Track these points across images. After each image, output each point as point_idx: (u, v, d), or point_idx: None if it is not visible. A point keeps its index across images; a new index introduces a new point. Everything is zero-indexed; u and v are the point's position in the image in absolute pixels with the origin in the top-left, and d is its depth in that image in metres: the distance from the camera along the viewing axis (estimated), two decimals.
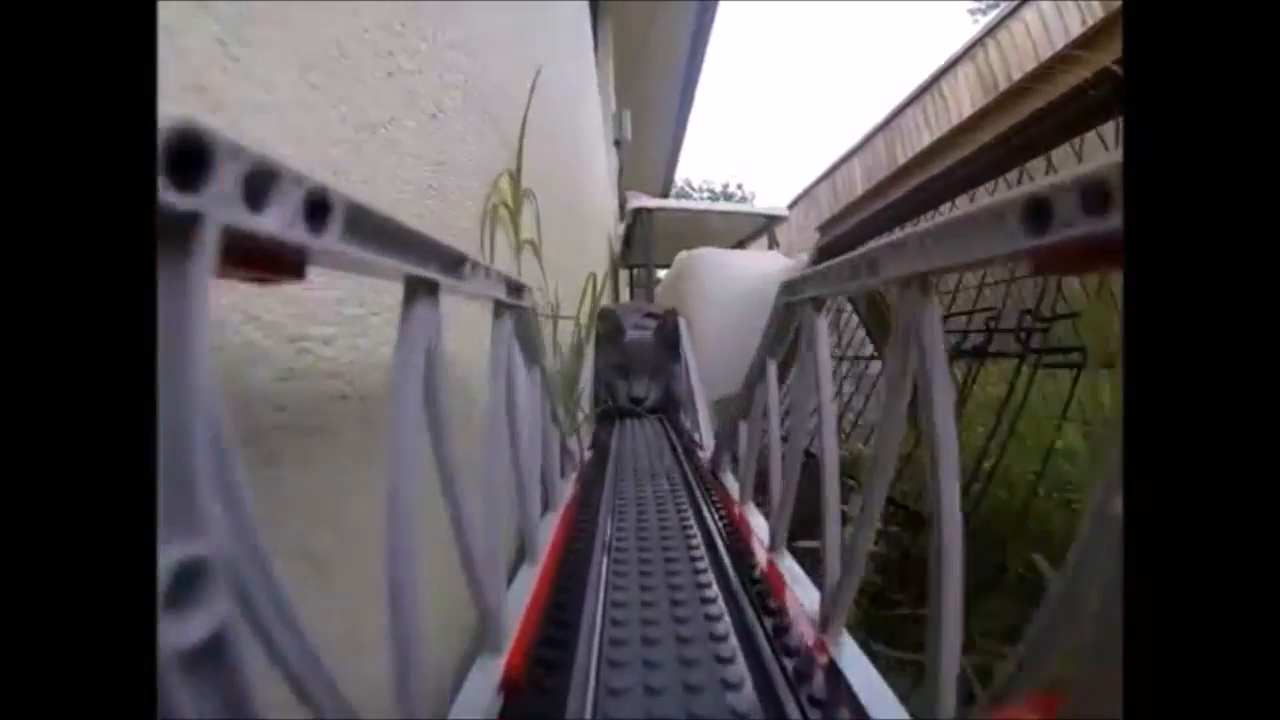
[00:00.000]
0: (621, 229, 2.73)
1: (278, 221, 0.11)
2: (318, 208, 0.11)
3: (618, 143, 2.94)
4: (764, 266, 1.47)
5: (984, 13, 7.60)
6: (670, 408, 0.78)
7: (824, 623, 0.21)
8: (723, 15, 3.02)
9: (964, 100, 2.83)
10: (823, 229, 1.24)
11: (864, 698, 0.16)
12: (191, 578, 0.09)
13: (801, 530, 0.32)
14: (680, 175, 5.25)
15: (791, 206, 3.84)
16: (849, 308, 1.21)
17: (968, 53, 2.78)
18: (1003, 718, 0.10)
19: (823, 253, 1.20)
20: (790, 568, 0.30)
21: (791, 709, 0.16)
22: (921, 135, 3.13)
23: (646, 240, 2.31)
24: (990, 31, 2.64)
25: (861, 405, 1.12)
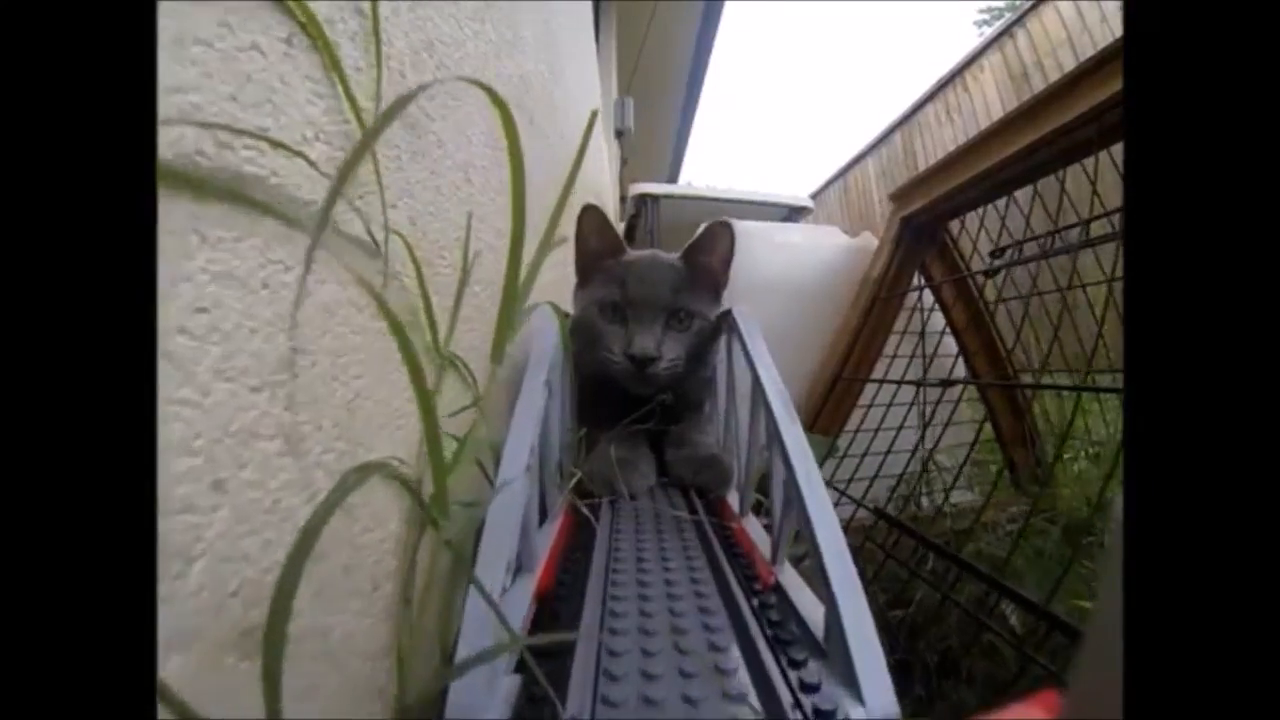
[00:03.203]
0: (622, 228, 2.68)
1: None
2: None
3: (619, 133, 2.72)
4: (821, 244, 1.20)
5: (989, 23, 7.59)
6: (698, 415, 0.53)
7: (773, 557, 0.32)
8: (726, 18, 2.91)
9: (990, 91, 2.85)
10: (897, 197, 1.04)
11: (793, 595, 0.28)
12: None
13: None
14: (681, 181, 5.27)
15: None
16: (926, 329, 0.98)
17: (995, 41, 2.80)
18: (1003, 717, 0.10)
19: (906, 223, 1.01)
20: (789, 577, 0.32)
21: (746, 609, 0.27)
22: (943, 129, 3.16)
23: (651, 235, 2.19)
24: (1020, 19, 2.66)
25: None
